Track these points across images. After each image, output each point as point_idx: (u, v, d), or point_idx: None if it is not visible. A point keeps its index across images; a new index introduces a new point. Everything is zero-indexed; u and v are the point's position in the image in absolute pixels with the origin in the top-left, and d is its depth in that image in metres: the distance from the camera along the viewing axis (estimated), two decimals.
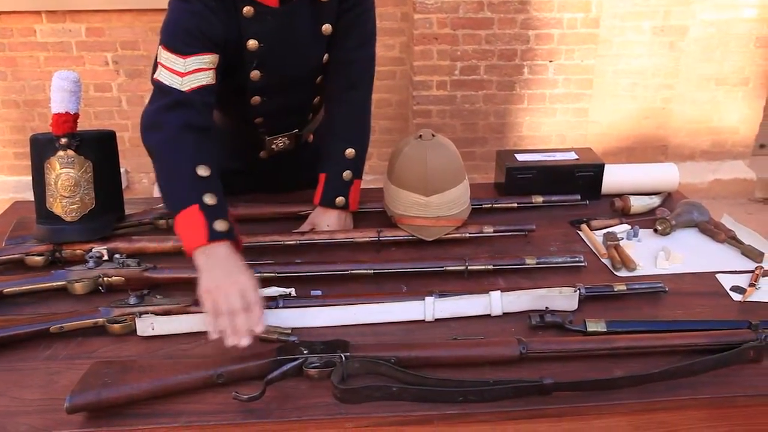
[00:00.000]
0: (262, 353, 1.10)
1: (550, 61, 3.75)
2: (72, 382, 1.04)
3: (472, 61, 3.72)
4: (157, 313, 1.22)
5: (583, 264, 1.42)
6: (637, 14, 3.82)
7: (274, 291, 1.25)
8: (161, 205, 1.62)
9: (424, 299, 1.26)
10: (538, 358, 1.12)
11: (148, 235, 1.53)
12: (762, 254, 1.45)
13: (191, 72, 1.32)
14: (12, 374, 1.12)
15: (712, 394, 1.07)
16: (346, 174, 1.56)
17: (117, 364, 1.08)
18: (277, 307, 1.23)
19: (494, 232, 1.53)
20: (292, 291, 1.26)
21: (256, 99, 1.52)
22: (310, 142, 1.76)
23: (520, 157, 1.80)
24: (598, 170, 1.75)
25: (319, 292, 1.30)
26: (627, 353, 1.13)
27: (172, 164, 1.30)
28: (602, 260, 1.47)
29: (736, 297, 1.33)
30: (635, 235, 1.57)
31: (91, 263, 1.34)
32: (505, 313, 1.27)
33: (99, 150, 1.47)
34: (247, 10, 1.37)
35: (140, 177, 4.18)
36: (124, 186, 3.98)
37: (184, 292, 1.30)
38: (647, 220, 1.64)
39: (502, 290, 1.28)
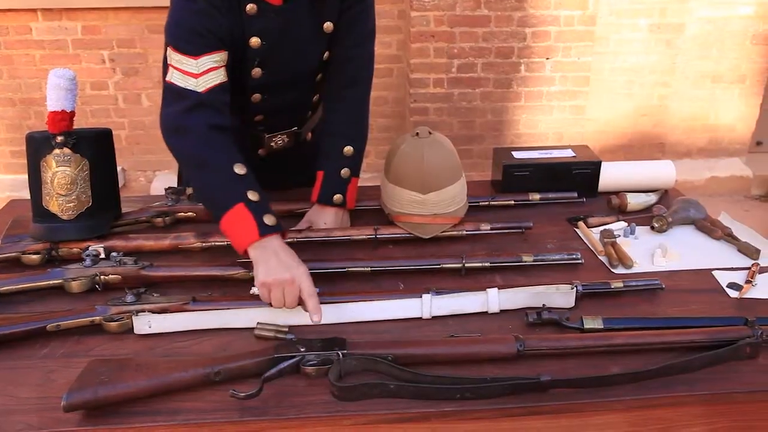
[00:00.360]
0: (260, 351, 1.10)
1: (547, 59, 3.75)
2: (69, 381, 1.03)
3: (469, 59, 3.72)
4: (154, 312, 1.22)
5: (580, 261, 1.42)
6: (634, 11, 3.82)
7: None
8: (158, 203, 1.62)
9: (421, 297, 1.26)
10: (536, 355, 1.13)
11: (144, 233, 1.53)
12: (758, 251, 1.46)
13: (205, 72, 1.32)
14: (9, 373, 1.11)
15: (709, 390, 1.07)
16: (344, 172, 1.56)
17: (114, 362, 1.08)
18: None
19: (491, 229, 1.53)
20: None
21: (257, 97, 1.52)
22: (308, 139, 1.76)
23: (517, 154, 1.80)
24: (595, 168, 1.75)
25: (316, 290, 1.30)
26: (624, 350, 1.14)
27: (209, 167, 1.31)
28: (599, 257, 1.48)
29: (733, 294, 1.33)
30: (632, 232, 1.57)
31: (87, 261, 1.34)
32: (502, 311, 1.27)
33: (95, 148, 1.47)
34: (250, 7, 1.37)
35: (137, 175, 4.18)
36: (120, 184, 3.96)
37: (181, 290, 1.31)
38: (644, 217, 1.64)
39: (500, 287, 1.28)
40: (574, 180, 1.74)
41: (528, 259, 1.40)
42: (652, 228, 1.59)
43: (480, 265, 1.40)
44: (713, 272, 1.41)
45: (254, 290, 1.26)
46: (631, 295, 1.32)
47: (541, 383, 1.03)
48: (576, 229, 1.60)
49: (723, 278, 1.38)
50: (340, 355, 1.08)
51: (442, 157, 1.48)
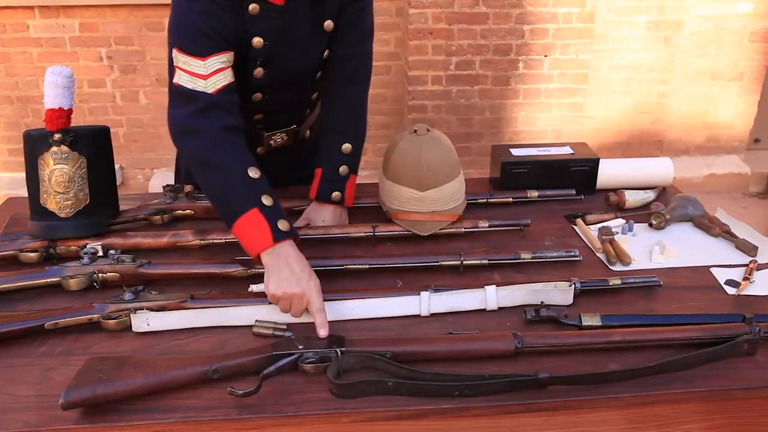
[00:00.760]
0: (258, 348, 1.10)
1: (546, 56, 3.75)
2: (67, 379, 1.03)
3: (467, 56, 3.72)
4: (152, 309, 1.22)
5: (578, 258, 1.42)
6: (632, 9, 3.82)
7: None
8: (156, 200, 1.62)
9: (419, 294, 1.26)
10: (534, 352, 1.13)
11: (143, 231, 1.52)
12: (756, 248, 1.46)
13: (213, 73, 1.32)
14: (6, 371, 1.11)
15: (707, 387, 1.07)
16: (343, 169, 1.56)
17: (112, 360, 1.08)
18: (272, 303, 1.22)
19: (489, 226, 1.53)
20: None
21: (258, 96, 1.52)
22: (307, 137, 1.76)
23: (515, 151, 1.80)
24: (593, 165, 1.75)
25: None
26: (622, 347, 1.14)
27: (223, 169, 1.31)
28: (597, 255, 1.48)
29: (731, 291, 1.33)
30: (630, 229, 1.57)
31: (85, 259, 1.33)
32: (500, 308, 1.27)
33: (93, 146, 1.47)
34: (253, 7, 1.36)
35: (135, 173, 4.17)
36: (118, 182, 3.94)
37: (179, 288, 1.30)
38: (642, 214, 1.64)
39: (498, 285, 1.28)
40: (573, 177, 1.74)
41: (526, 256, 1.40)
42: (650, 225, 1.59)
43: (478, 262, 1.40)
44: (711, 269, 1.41)
45: (253, 288, 1.26)
46: (629, 292, 1.32)
47: (540, 380, 1.03)
48: (574, 227, 1.60)
49: (721, 275, 1.39)
50: (339, 353, 1.08)
51: (440, 155, 1.48)
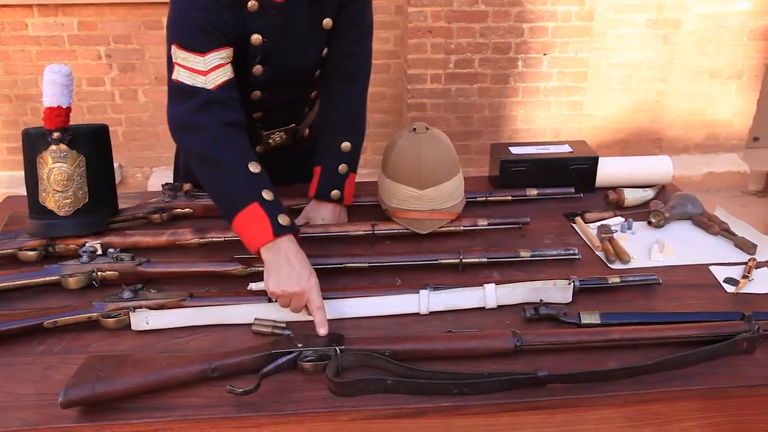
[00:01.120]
0: (257, 347, 1.10)
1: (545, 54, 3.74)
2: (66, 377, 1.03)
3: (466, 54, 3.72)
4: (151, 308, 1.22)
5: (577, 257, 1.42)
6: (632, 7, 3.82)
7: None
8: (155, 199, 1.62)
9: (418, 292, 1.26)
10: (533, 350, 1.13)
11: (141, 229, 1.52)
12: (755, 246, 1.46)
13: (213, 69, 1.31)
14: (6, 369, 1.11)
15: (705, 385, 1.07)
16: (342, 167, 1.56)
17: (111, 358, 1.08)
18: (270, 301, 1.22)
19: (489, 225, 1.53)
20: None
21: (257, 94, 1.52)
22: (306, 136, 1.76)
23: (514, 150, 1.80)
24: (592, 163, 1.75)
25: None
26: (621, 345, 1.14)
27: (224, 165, 1.30)
28: (596, 253, 1.48)
29: (730, 289, 1.33)
30: (629, 227, 1.57)
31: (84, 258, 1.33)
32: (499, 306, 1.27)
33: (92, 144, 1.46)
34: (252, 4, 1.36)
35: (134, 171, 4.17)
36: (117, 180, 3.94)
37: (178, 287, 1.30)
38: (641, 212, 1.64)
39: (497, 283, 1.28)
40: (572, 175, 1.74)
41: (525, 254, 1.40)
42: (650, 223, 1.60)
43: (477, 260, 1.40)
44: (710, 267, 1.41)
45: (252, 286, 1.26)
46: (628, 290, 1.32)
47: (539, 378, 1.03)
48: (573, 225, 1.60)
49: (720, 273, 1.39)
50: (338, 351, 1.08)
51: (439, 153, 1.48)
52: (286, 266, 1.20)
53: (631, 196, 1.68)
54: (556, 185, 1.71)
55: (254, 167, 1.30)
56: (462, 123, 3.89)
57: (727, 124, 4.22)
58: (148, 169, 4.17)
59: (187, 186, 1.64)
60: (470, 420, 1.06)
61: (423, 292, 1.26)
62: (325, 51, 1.54)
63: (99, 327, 1.21)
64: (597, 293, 1.31)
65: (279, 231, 1.23)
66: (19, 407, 1.02)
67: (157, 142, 4.05)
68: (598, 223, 1.58)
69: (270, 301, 1.22)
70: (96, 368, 1.04)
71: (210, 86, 1.31)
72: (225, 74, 1.33)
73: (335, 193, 1.56)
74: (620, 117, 4.11)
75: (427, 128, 1.49)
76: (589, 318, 1.20)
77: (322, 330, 1.15)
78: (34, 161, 1.43)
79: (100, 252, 1.36)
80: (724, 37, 3.97)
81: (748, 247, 1.46)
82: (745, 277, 1.35)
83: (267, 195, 1.27)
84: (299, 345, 1.09)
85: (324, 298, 1.21)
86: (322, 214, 1.56)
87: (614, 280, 1.31)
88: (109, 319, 1.20)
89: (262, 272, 1.23)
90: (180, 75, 1.32)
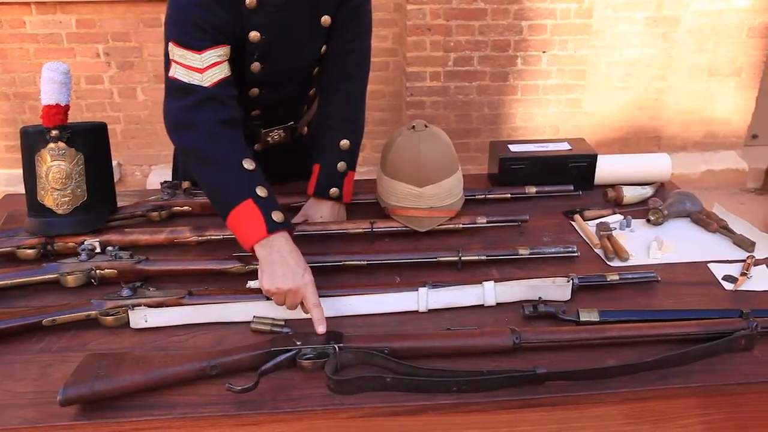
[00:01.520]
0: (256, 345, 1.10)
1: (543, 52, 3.74)
2: (65, 375, 1.03)
3: (465, 52, 3.71)
4: (150, 306, 1.22)
5: (576, 254, 1.42)
6: (630, 5, 3.82)
7: None
8: (154, 197, 1.62)
9: (417, 290, 1.26)
10: (532, 347, 1.13)
11: (140, 227, 1.52)
12: (753, 244, 1.46)
13: (209, 66, 1.31)
14: (4, 367, 1.11)
15: (704, 382, 1.07)
16: (341, 165, 1.56)
17: (110, 356, 1.08)
18: (268, 299, 1.22)
19: (487, 222, 1.53)
20: None
21: (255, 91, 1.52)
22: (304, 134, 1.76)
23: (513, 147, 1.80)
24: (591, 161, 1.75)
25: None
26: (620, 342, 1.14)
27: (218, 162, 1.30)
28: (595, 250, 1.48)
29: (728, 286, 1.34)
30: (628, 225, 1.57)
31: (83, 256, 1.33)
32: (498, 304, 1.27)
33: (90, 142, 1.46)
34: (250, 2, 1.36)
35: (133, 170, 4.17)
36: (116, 179, 3.96)
37: (176, 284, 1.30)
38: (640, 210, 1.65)
39: (496, 281, 1.28)
40: (571, 173, 1.74)
41: (524, 252, 1.40)
42: (648, 221, 1.60)
43: (476, 258, 1.40)
44: (709, 265, 1.41)
45: (251, 284, 1.26)
46: (627, 287, 1.32)
47: (537, 376, 1.03)
48: (572, 222, 1.60)
49: (718, 271, 1.39)
50: (337, 349, 1.08)
51: (438, 151, 1.48)
52: (280, 263, 1.20)
53: (630, 194, 1.68)
54: (555, 183, 1.72)
55: (249, 164, 1.30)
56: (461, 121, 3.89)
57: (726, 121, 4.22)
58: (146, 167, 4.17)
59: (185, 184, 1.64)
60: (469, 417, 1.06)
61: (422, 290, 1.26)
62: (323, 48, 1.54)
63: (98, 325, 1.21)
64: (596, 291, 1.31)
65: (273, 228, 1.23)
66: (18, 405, 1.02)
67: (156, 140, 4.05)
68: (597, 221, 1.58)
69: (268, 299, 1.22)
70: (95, 366, 1.04)
71: (206, 84, 1.31)
72: (222, 72, 1.33)
73: (334, 190, 1.55)
74: (619, 115, 4.12)
75: (426, 126, 1.49)
76: (587, 315, 1.20)
77: (321, 328, 1.15)
78: (33, 159, 1.43)
79: (98, 250, 1.36)
80: (723, 35, 3.97)
81: (746, 244, 1.47)
82: (743, 274, 1.35)
83: (261, 192, 1.27)
84: (298, 343, 1.09)
85: (323, 296, 1.21)
86: (320, 212, 1.56)
87: (613, 277, 1.31)
88: (107, 317, 1.20)
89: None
90: (177, 72, 1.32)
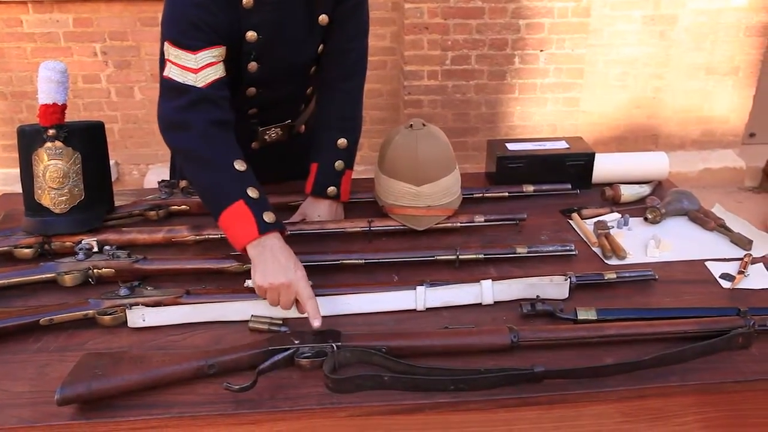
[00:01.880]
0: (254, 344, 1.10)
1: (541, 51, 3.74)
2: (62, 375, 1.03)
3: (463, 51, 3.71)
4: (147, 305, 1.22)
5: (573, 253, 1.42)
6: (628, 3, 3.82)
7: None
8: (151, 196, 1.62)
9: (415, 288, 1.26)
10: (529, 346, 1.13)
11: (138, 226, 1.52)
12: (751, 242, 1.46)
13: (204, 67, 1.31)
14: (1, 367, 1.11)
15: (702, 380, 1.08)
16: (338, 164, 1.56)
17: (108, 355, 1.08)
18: (265, 299, 1.22)
19: (485, 221, 1.53)
20: None
21: (252, 90, 1.52)
22: (302, 132, 1.76)
23: (511, 146, 1.80)
24: (588, 159, 1.75)
25: (310, 282, 1.30)
26: (617, 341, 1.14)
27: (209, 163, 1.30)
28: (593, 249, 1.48)
29: (726, 284, 1.34)
30: (626, 223, 1.57)
31: (80, 255, 1.33)
32: (496, 302, 1.27)
33: (87, 141, 1.46)
34: (247, 1, 1.36)
35: (130, 169, 4.16)
36: (114, 178, 3.96)
37: (174, 284, 1.30)
38: (637, 208, 1.65)
39: (494, 279, 1.28)
40: (568, 172, 1.74)
41: (522, 250, 1.41)
42: (646, 219, 1.60)
43: (474, 256, 1.40)
44: (706, 263, 1.42)
45: (248, 283, 1.26)
46: (625, 286, 1.33)
47: (535, 374, 1.03)
48: (570, 221, 1.61)
49: (716, 269, 1.39)
50: (335, 348, 1.08)
51: (436, 149, 1.48)
52: (272, 261, 1.20)
53: (628, 192, 1.68)
54: (552, 181, 1.72)
55: (240, 165, 1.30)
56: (458, 119, 3.89)
57: (724, 120, 4.22)
58: (144, 166, 4.16)
59: (183, 183, 1.64)
60: (467, 416, 1.06)
61: (420, 289, 1.26)
62: (320, 47, 1.53)
63: (95, 324, 1.21)
64: (593, 289, 1.31)
65: (264, 228, 1.23)
66: (15, 405, 1.02)
67: (153, 139, 4.04)
68: (595, 219, 1.58)
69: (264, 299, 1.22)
70: (92, 365, 1.04)
71: (200, 84, 1.31)
72: (216, 72, 1.33)
73: (331, 189, 1.55)
74: (617, 113, 4.12)
75: (424, 125, 1.49)
76: (585, 314, 1.20)
77: (316, 322, 1.15)
78: (30, 158, 1.43)
79: (96, 249, 1.36)
80: (721, 34, 3.97)
81: (744, 242, 1.47)
82: (740, 272, 1.36)
83: (252, 193, 1.27)
84: (296, 342, 1.09)
85: (320, 295, 1.21)
86: (318, 211, 1.56)
87: (610, 276, 1.32)
88: (105, 317, 1.20)
89: None
90: (171, 72, 1.32)
